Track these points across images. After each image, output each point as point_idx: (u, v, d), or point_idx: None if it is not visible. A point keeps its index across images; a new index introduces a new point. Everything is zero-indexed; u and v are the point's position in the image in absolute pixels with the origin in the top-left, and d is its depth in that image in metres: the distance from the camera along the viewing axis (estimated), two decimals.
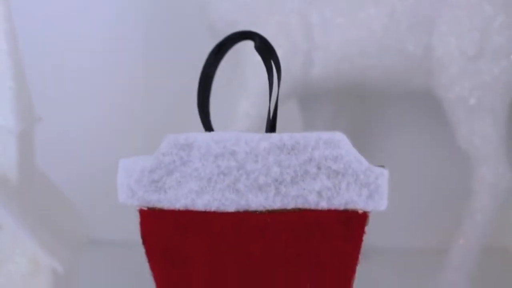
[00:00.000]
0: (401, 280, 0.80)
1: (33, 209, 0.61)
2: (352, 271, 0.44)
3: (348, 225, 0.43)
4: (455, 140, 0.84)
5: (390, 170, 0.92)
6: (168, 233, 0.44)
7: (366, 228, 0.44)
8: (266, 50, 0.45)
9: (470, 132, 0.68)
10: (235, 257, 0.44)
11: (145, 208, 0.44)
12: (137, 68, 0.92)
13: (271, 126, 0.45)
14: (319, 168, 0.43)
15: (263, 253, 0.43)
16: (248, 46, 0.47)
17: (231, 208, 0.43)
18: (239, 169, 0.43)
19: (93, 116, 0.91)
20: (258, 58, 0.45)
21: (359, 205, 0.43)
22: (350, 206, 0.43)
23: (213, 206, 0.43)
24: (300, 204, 0.43)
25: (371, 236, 0.87)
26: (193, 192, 0.43)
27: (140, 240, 0.44)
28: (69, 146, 0.90)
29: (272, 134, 0.43)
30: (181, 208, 0.43)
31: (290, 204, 0.43)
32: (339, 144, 0.43)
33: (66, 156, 0.88)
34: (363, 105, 0.86)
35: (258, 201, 0.43)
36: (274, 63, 0.44)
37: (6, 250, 0.60)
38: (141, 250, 0.90)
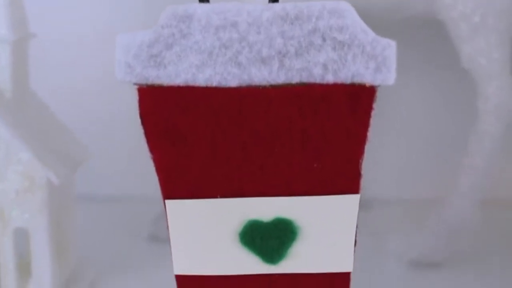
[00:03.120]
0: (404, 230, 0.78)
1: (27, 125, 0.60)
2: (361, 149, 0.42)
3: (355, 100, 0.42)
4: (458, 83, 0.84)
5: (392, 118, 0.91)
6: (167, 111, 0.42)
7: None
8: None
9: (474, 51, 0.67)
10: (237, 135, 0.42)
11: (144, 86, 0.42)
12: None
13: None
14: (324, 39, 0.41)
15: (267, 130, 0.42)
16: None
17: (233, 82, 0.42)
18: (241, 41, 0.41)
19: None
20: None
21: (366, 78, 0.41)
22: (357, 80, 0.41)
23: (215, 81, 0.41)
24: (305, 78, 0.41)
25: (373, 187, 0.87)
26: (194, 66, 0.41)
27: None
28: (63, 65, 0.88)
29: (275, 4, 0.41)
30: (181, 84, 0.42)
31: (295, 78, 0.41)
32: (345, 13, 0.41)
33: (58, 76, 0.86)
34: None
35: (261, 75, 0.41)
36: None
37: None
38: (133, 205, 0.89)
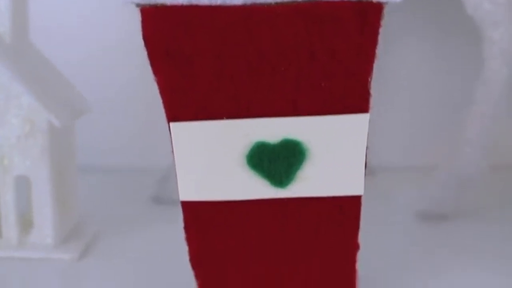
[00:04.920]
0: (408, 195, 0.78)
1: (27, 71, 0.58)
2: (370, 67, 0.41)
3: (363, 17, 0.41)
4: (462, 47, 0.83)
5: (396, 85, 0.90)
6: (171, 31, 0.41)
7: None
8: None
9: None
10: (243, 54, 0.41)
11: (147, 6, 0.41)
12: None
13: None
14: None
15: (274, 48, 0.41)
16: None
17: (238, 0, 0.41)
18: None
19: None
20: None
21: None
22: None
23: None
24: None
25: (379, 153, 0.86)
26: None
27: None
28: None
29: None
30: (185, 3, 0.41)
31: None
32: None
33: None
34: None
35: None
36: None
37: None
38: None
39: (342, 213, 0.43)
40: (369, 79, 0.41)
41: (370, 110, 0.42)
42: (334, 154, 0.42)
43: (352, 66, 0.41)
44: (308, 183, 0.42)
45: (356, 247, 0.44)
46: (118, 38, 0.86)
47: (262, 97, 0.41)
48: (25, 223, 0.61)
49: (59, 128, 0.58)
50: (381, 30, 0.41)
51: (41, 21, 0.70)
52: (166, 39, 0.41)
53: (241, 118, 0.41)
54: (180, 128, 0.42)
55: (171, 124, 0.42)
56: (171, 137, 0.42)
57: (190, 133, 0.42)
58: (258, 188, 0.42)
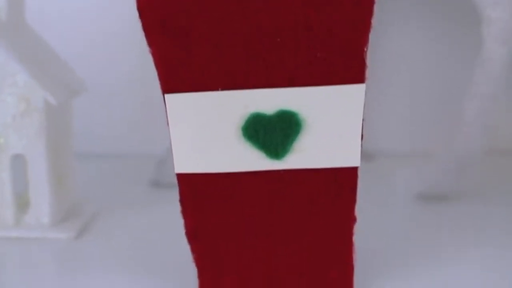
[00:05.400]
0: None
1: (23, 50, 0.58)
2: (365, 38, 0.41)
3: None
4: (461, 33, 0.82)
5: (394, 72, 0.89)
6: (166, 2, 0.40)
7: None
8: None
9: None
10: (239, 25, 0.41)
11: None
12: None
13: None
14: None
15: (269, 21, 0.40)
16: None
17: None
18: None
19: None
20: None
21: None
22: None
23: None
24: None
25: (376, 139, 0.85)
26: None
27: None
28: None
29: None
30: None
31: None
32: None
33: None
34: None
35: None
36: None
37: None
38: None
39: (339, 184, 0.43)
40: (365, 50, 0.41)
41: (368, 91, 0.42)
42: (330, 125, 0.42)
43: (348, 37, 0.41)
44: (304, 155, 0.42)
45: (353, 219, 0.44)
46: (117, 26, 0.86)
47: (258, 68, 0.41)
48: (22, 204, 0.61)
49: (55, 106, 0.57)
50: (376, 1, 0.41)
51: (38, 6, 0.70)
52: (160, 10, 0.41)
53: (237, 89, 0.41)
54: (175, 100, 0.42)
55: (166, 96, 0.42)
56: (166, 109, 0.42)
57: (185, 105, 0.42)
58: (254, 160, 0.42)
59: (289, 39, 0.41)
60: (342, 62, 0.41)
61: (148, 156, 0.82)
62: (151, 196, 0.73)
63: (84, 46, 0.86)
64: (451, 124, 0.71)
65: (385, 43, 0.87)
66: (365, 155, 0.77)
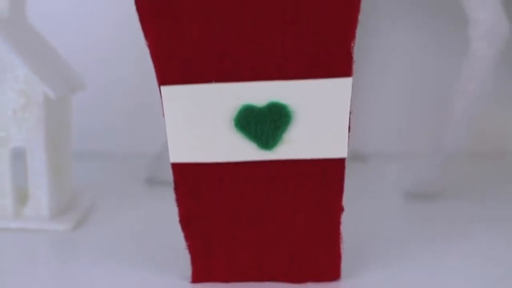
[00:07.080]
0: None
1: (24, 45, 0.60)
2: (352, 32, 0.42)
3: None
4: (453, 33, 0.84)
5: (385, 73, 0.91)
6: None
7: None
8: None
9: None
10: (231, 17, 0.42)
11: None
12: None
13: None
14: None
15: (260, 12, 0.42)
16: None
17: None
18: None
19: None
20: None
21: None
22: None
23: None
24: None
25: (370, 141, 0.87)
26: None
27: None
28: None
29: None
30: None
31: None
32: None
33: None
34: None
35: None
36: None
37: None
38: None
39: (327, 175, 0.45)
40: (352, 44, 0.43)
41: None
42: (318, 117, 0.43)
43: (335, 32, 0.43)
44: (293, 146, 0.44)
45: (340, 209, 0.46)
46: (114, 27, 0.87)
47: (249, 61, 0.43)
48: (22, 196, 0.63)
49: (54, 100, 0.59)
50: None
51: (38, 6, 0.71)
52: (156, 1, 0.43)
53: (229, 82, 0.43)
54: (170, 92, 0.43)
55: (162, 88, 0.43)
56: (161, 101, 0.44)
57: (179, 96, 0.43)
58: (245, 151, 0.44)
59: (279, 31, 0.42)
60: (330, 56, 0.43)
61: (144, 155, 0.84)
62: (146, 192, 0.75)
63: (81, 46, 0.87)
64: (440, 123, 0.73)
65: (374, 45, 0.88)
66: (358, 157, 0.79)
